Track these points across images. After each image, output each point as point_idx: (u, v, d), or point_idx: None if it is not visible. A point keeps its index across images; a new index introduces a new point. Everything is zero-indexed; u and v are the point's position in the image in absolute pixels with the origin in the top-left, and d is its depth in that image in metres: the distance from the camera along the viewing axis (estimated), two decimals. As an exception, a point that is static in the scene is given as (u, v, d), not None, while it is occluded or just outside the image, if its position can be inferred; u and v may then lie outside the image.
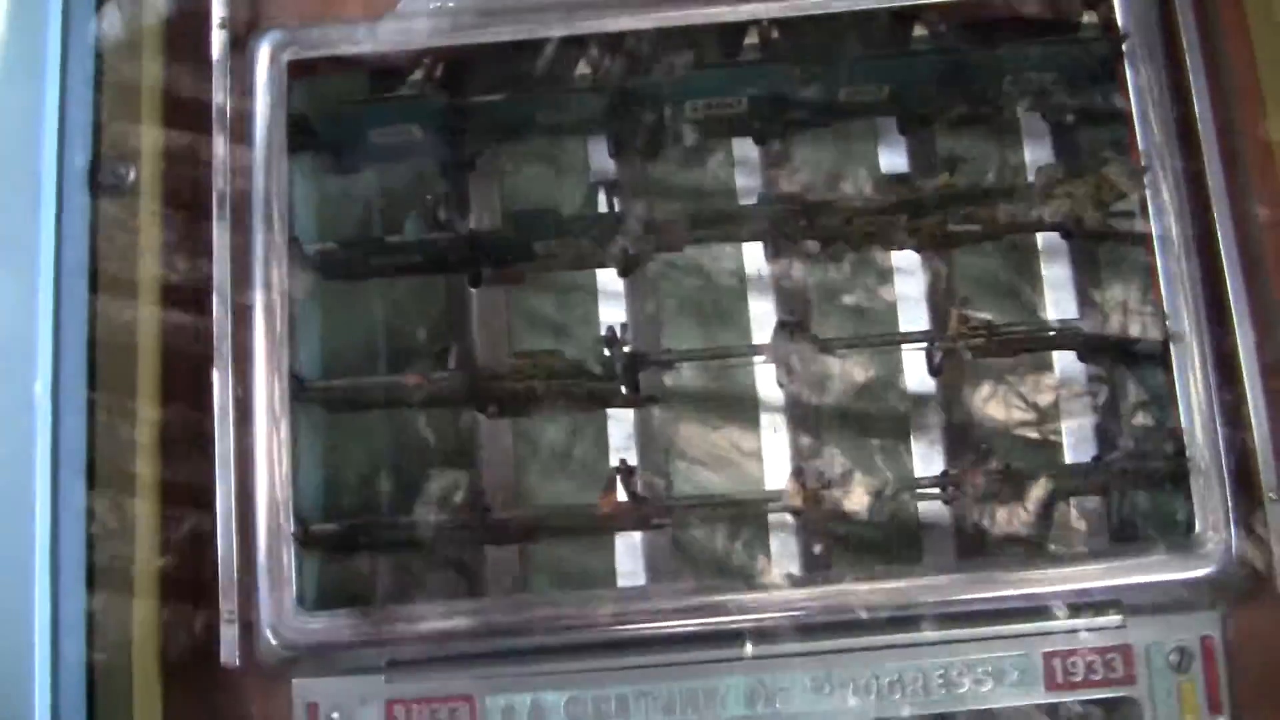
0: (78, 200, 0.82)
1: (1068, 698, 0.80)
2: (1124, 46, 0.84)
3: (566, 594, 0.82)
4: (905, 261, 0.91)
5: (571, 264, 0.86)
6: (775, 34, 0.85)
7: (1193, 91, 0.83)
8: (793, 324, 0.83)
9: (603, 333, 0.82)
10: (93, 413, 0.80)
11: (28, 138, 0.81)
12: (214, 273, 0.82)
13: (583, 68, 0.85)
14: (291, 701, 0.81)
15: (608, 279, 0.91)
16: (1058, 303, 0.90)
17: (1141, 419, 0.85)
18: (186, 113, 0.86)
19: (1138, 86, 0.84)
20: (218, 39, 0.86)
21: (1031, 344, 0.83)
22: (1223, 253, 0.81)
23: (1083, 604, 0.79)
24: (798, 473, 0.82)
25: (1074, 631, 0.79)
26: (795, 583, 0.81)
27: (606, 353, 0.80)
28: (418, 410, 0.87)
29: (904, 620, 0.79)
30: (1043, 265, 0.91)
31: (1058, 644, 0.80)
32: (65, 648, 0.76)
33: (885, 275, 0.91)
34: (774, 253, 0.88)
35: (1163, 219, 0.82)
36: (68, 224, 0.81)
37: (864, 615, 0.79)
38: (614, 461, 0.85)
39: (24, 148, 0.81)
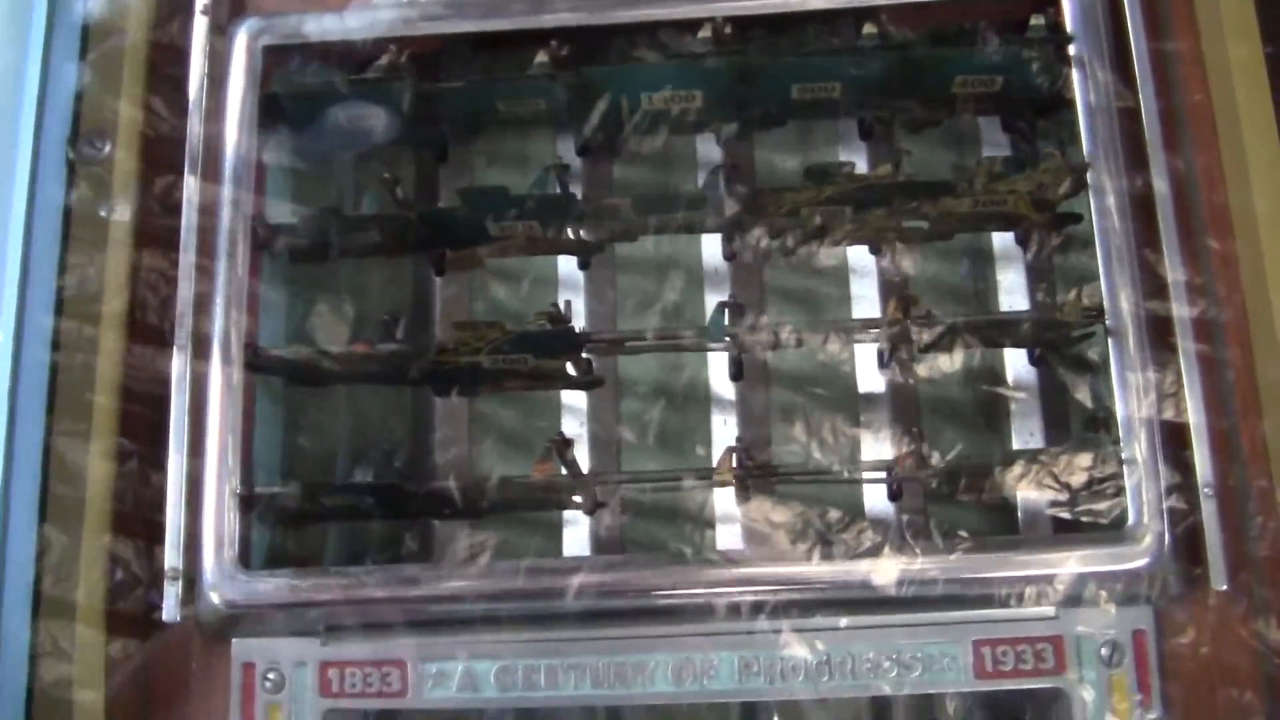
0: (53, 170, 0.86)
1: (997, 686, 0.79)
2: (1071, 48, 0.85)
3: (501, 565, 0.83)
4: (861, 262, 0.93)
5: (527, 247, 0.88)
6: (729, 30, 0.87)
7: (1139, 91, 0.84)
8: (734, 305, 0.84)
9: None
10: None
11: (8, 105, 0.85)
12: (181, 240, 0.86)
13: (541, 57, 0.87)
14: (230, 661, 0.83)
15: (569, 271, 0.94)
16: (1012, 306, 0.91)
17: (1082, 413, 0.86)
18: (165, 91, 0.90)
19: (1084, 86, 0.85)
20: (199, 24, 0.90)
21: (972, 332, 0.84)
22: (1164, 250, 0.82)
23: (1015, 594, 0.79)
24: (730, 450, 0.83)
25: (1006, 621, 0.79)
26: (729, 563, 0.81)
27: (548, 327, 0.82)
28: (374, 388, 0.89)
29: (835, 603, 0.80)
30: (998, 270, 0.92)
31: (989, 633, 0.79)
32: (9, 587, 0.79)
33: (840, 272, 0.93)
34: (728, 243, 0.90)
35: (1104, 215, 0.83)
36: (42, 195, 0.85)
37: (795, 597, 0.80)
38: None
39: (4, 115, 0.85)
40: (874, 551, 0.80)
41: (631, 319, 0.93)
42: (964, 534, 0.83)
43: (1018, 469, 0.83)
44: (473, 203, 0.86)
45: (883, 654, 0.80)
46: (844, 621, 0.80)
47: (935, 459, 0.83)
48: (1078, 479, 0.83)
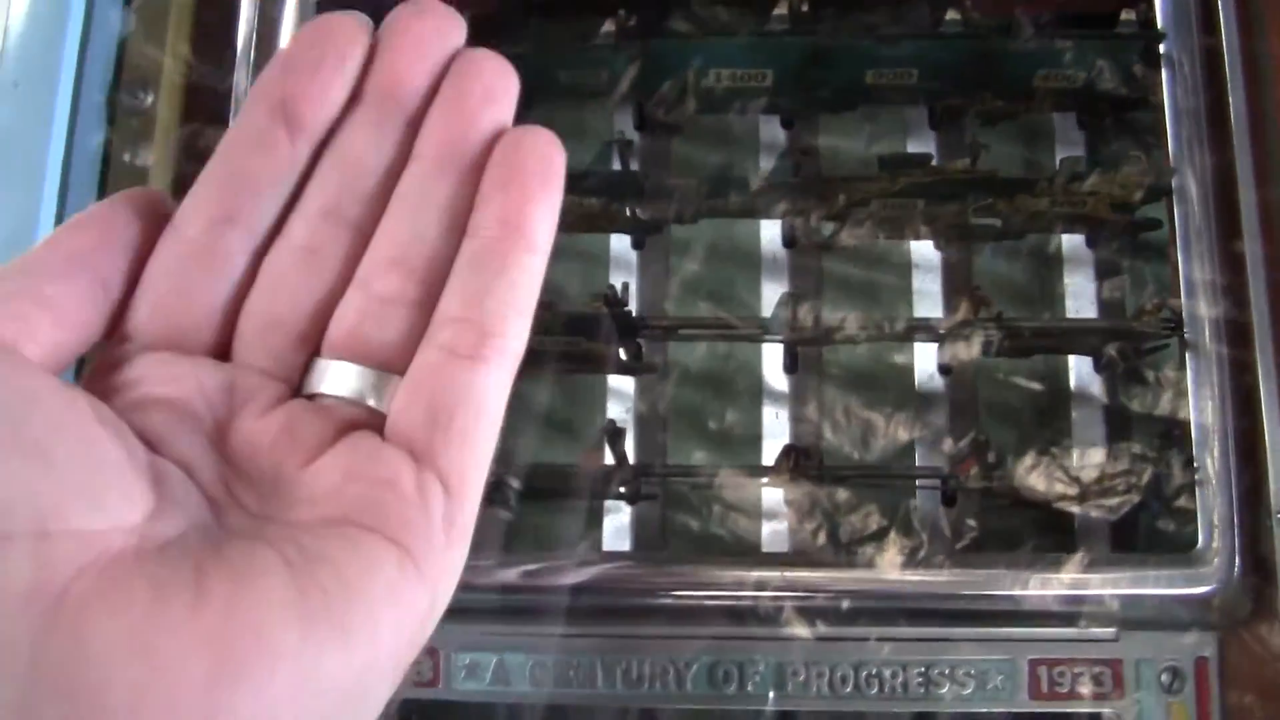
0: (93, 119, 0.82)
1: (1052, 708, 0.77)
2: (1161, 46, 0.82)
3: (540, 554, 0.80)
4: (926, 258, 0.89)
5: (582, 224, 0.85)
6: (805, 8, 0.84)
7: (1229, 94, 0.81)
8: (799, 296, 0.81)
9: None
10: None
11: (50, 52, 0.82)
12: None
13: (609, 27, 0.84)
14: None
15: (621, 250, 0.90)
16: (1078, 311, 0.88)
17: (1155, 427, 0.83)
18: (211, 43, 0.86)
19: (1173, 86, 0.82)
20: (249, -28, 0.86)
21: (1043, 337, 0.81)
22: (1248, 263, 0.79)
23: (1075, 613, 0.76)
24: (789, 451, 0.80)
25: (1064, 641, 0.77)
26: (778, 565, 0.78)
27: (605, 311, 0.79)
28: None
29: (887, 613, 0.77)
30: (1065, 272, 0.89)
31: (1046, 652, 0.77)
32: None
33: (904, 269, 0.89)
34: (790, 231, 0.86)
35: (1188, 223, 0.80)
36: (80, 143, 0.81)
37: (842, 604, 0.77)
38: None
39: (45, 62, 0.81)
40: (926, 560, 0.77)
41: (683, 304, 0.90)
42: (1017, 545, 0.82)
43: (1028, 461, 0.81)
44: (531, 176, 0.82)
45: (935, 668, 0.77)
46: (894, 632, 0.77)
47: (998, 467, 0.80)
48: (1089, 474, 0.80)
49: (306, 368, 0.39)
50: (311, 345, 0.39)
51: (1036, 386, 0.88)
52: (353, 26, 0.39)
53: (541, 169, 0.41)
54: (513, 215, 0.39)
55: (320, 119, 0.39)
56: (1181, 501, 0.78)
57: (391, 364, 0.38)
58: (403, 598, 0.34)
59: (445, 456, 0.36)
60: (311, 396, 0.39)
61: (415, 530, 0.35)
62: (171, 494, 0.33)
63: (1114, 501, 0.79)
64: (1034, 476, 0.80)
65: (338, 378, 0.38)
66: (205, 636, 0.29)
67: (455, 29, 0.43)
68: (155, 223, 0.38)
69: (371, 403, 0.38)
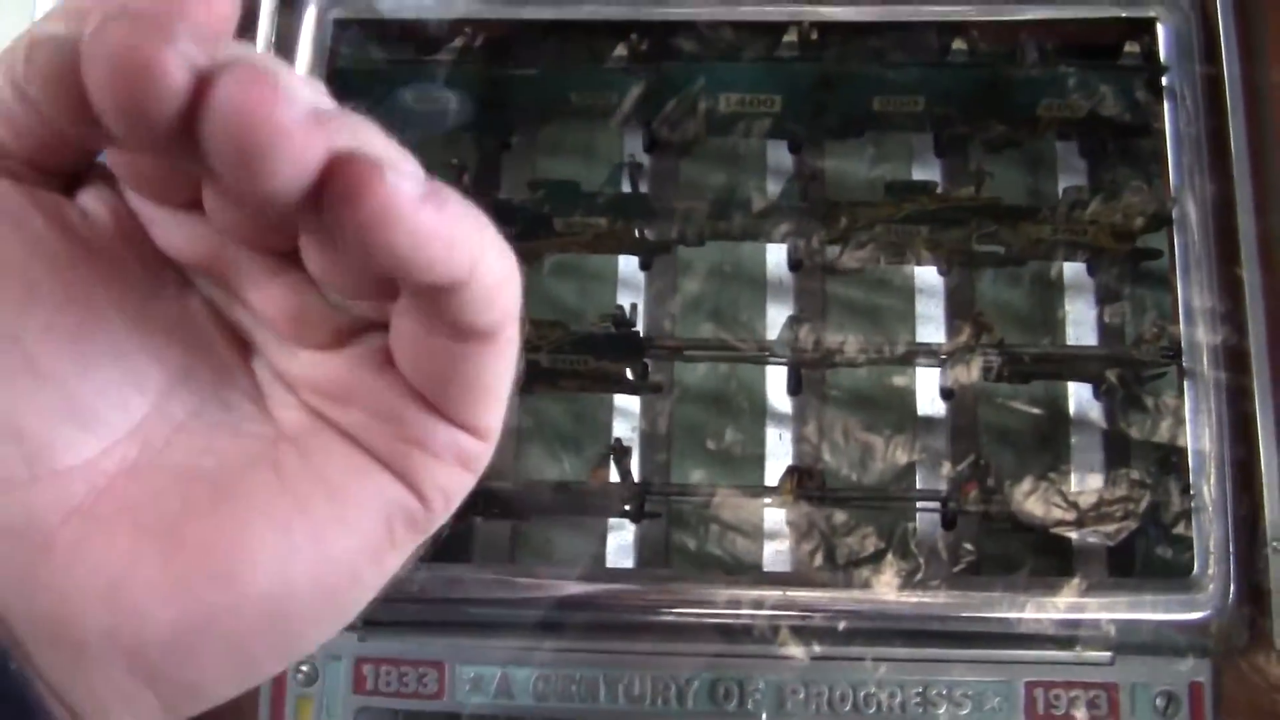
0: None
1: (1046, 729, 0.78)
2: (1164, 79, 0.83)
3: (548, 569, 0.81)
4: (928, 283, 0.90)
5: (591, 244, 0.86)
6: (815, 35, 0.85)
7: (1229, 125, 0.82)
8: (803, 319, 0.82)
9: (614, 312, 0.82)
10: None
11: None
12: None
13: (620, 50, 0.85)
14: (262, 650, 0.80)
15: (629, 271, 0.91)
16: (1079, 338, 0.89)
17: (1152, 454, 0.84)
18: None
19: (1174, 118, 0.83)
20: (268, -7, 0.88)
21: (1044, 363, 0.82)
22: (1246, 292, 0.80)
23: (1072, 637, 0.77)
24: (792, 471, 0.81)
25: (1060, 664, 0.78)
26: (779, 584, 0.79)
27: (613, 330, 0.80)
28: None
29: (886, 634, 0.78)
30: (1066, 299, 0.90)
31: (1042, 675, 0.78)
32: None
33: (907, 293, 0.90)
34: (795, 254, 0.88)
35: (1188, 252, 0.81)
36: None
37: (842, 624, 0.78)
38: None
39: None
40: (925, 582, 0.78)
41: (690, 324, 0.91)
42: (1015, 569, 0.83)
43: (1026, 485, 0.82)
44: (543, 195, 0.83)
45: (932, 689, 0.78)
46: (892, 653, 0.78)
47: (996, 491, 0.81)
48: (1087, 499, 0.81)
49: None
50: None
51: (1036, 412, 0.89)
52: None
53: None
54: None
55: None
56: (1179, 528, 0.79)
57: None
58: (398, 535, 0.34)
59: (455, 411, 0.33)
60: None
61: (426, 470, 0.33)
62: (200, 332, 0.33)
63: (1112, 528, 0.80)
64: (1032, 501, 0.81)
65: None
66: (175, 585, 0.30)
67: None
68: None
69: (364, 312, 0.33)
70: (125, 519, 0.31)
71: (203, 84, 0.25)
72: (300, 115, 0.25)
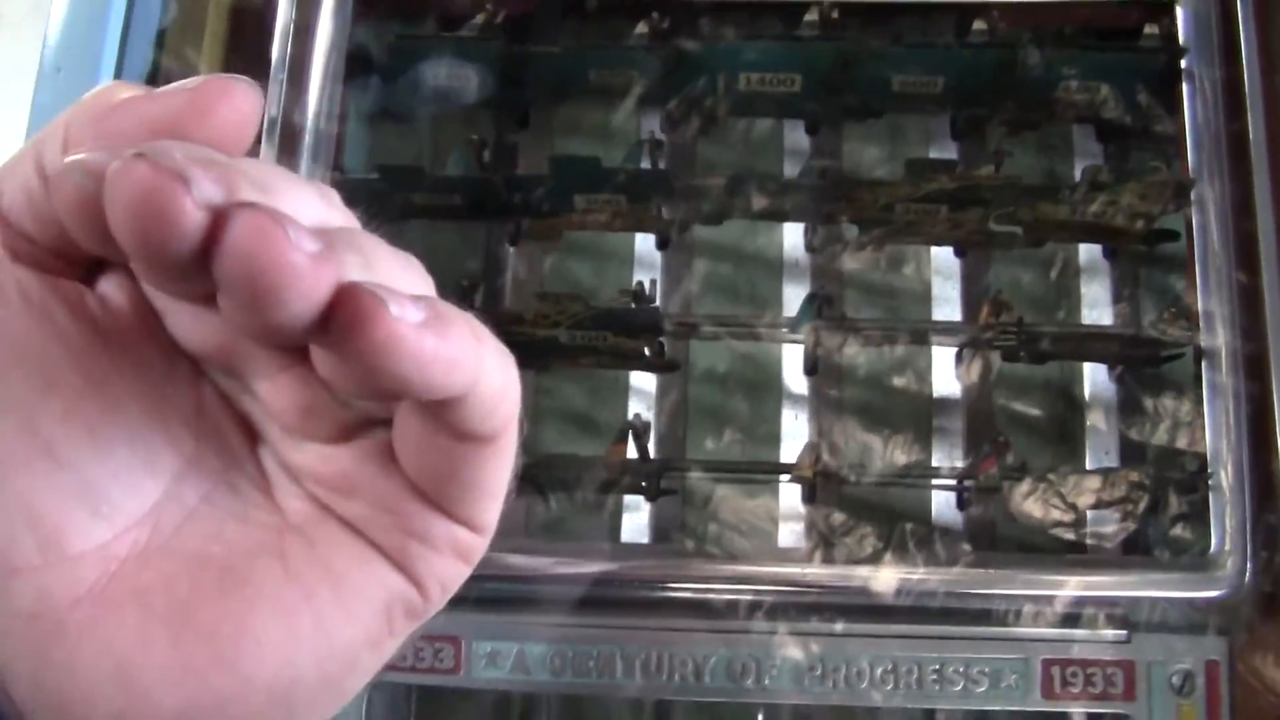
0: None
1: (1063, 708, 0.78)
2: (1183, 61, 0.84)
3: (561, 545, 0.81)
4: (946, 264, 0.91)
5: (609, 223, 0.86)
6: (835, 15, 0.85)
7: (1248, 109, 0.82)
8: (822, 297, 0.82)
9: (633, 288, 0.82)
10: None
11: (93, 38, 0.83)
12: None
13: (641, 28, 0.85)
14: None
15: (645, 250, 0.91)
16: (1096, 320, 0.89)
17: (1167, 434, 0.84)
18: (250, 36, 0.88)
19: (1193, 100, 0.83)
20: (288, -29, 0.88)
21: (1062, 343, 0.82)
22: (1263, 272, 0.80)
23: (1089, 615, 0.77)
24: (812, 447, 0.81)
25: (1077, 642, 0.78)
26: (796, 562, 0.79)
27: (632, 306, 0.80)
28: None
29: (904, 611, 0.78)
30: (1083, 282, 0.91)
31: (1059, 652, 0.78)
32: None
33: (924, 271, 0.91)
34: (813, 234, 0.88)
35: (1205, 233, 0.81)
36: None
37: (858, 602, 0.78)
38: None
39: (88, 48, 0.83)
40: (942, 560, 0.78)
41: (705, 304, 0.91)
42: (1031, 549, 0.83)
43: (1025, 486, 0.82)
44: (562, 172, 0.83)
45: (949, 665, 0.78)
46: (911, 630, 0.78)
47: (1016, 469, 0.81)
48: (1085, 500, 0.82)
49: None
50: None
51: (1051, 393, 0.89)
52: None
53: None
54: None
55: None
56: (1188, 508, 0.80)
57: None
58: (397, 623, 0.35)
59: (455, 509, 0.34)
60: None
61: (425, 562, 0.34)
62: (211, 420, 0.34)
63: (1110, 529, 0.81)
64: (1031, 503, 0.82)
65: None
66: (183, 670, 0.31)
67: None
68: None
69: (370, 411, 0.35)
70: (135, 603, 0.31)
71: (218, 224, 0.26)
72: (308, 255, 0.27)
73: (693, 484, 0.87)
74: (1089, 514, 0.82)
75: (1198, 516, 0.79)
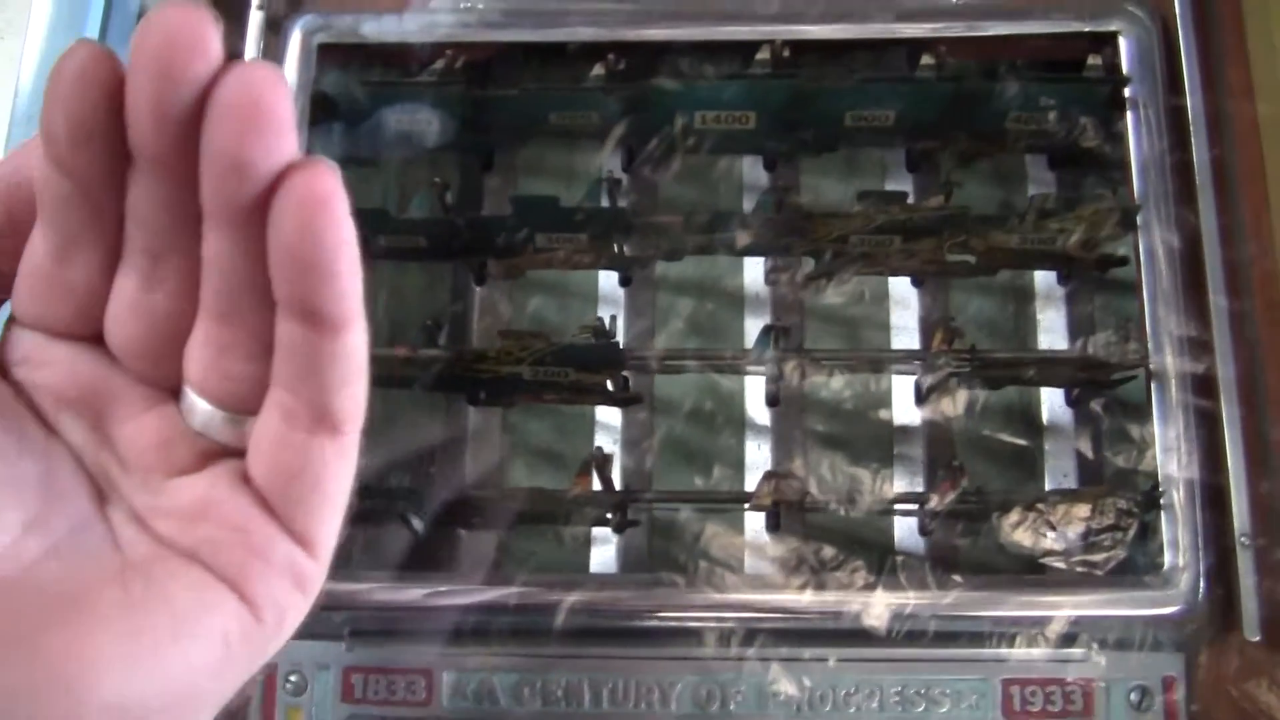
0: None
1: (1024, 726, 0.79)
2: (1126, 90, 0.86)
3: (532, 576, 0.82)
4: (904, 295, 0.92)
5: (571, 260, 0.88)
6: (787, 53, 0.87)
7: (1191, 136, 0.84)
8: (779, 329, 0.84)
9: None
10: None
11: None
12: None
13: (598, 70, 0.87)
14: (253, 660, 0.82)
15: (609, 288, 0.93)
16: (1051, 346, 0.91)
17: (1123, 456, 0.85)
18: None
19: (1138, 128, 0.85)
20: (254, 18, 0.90)
21: (1015, 368, 0.84)
22: (1210, 295, 0.82)
23: (1048, 634, 0.79)
24: (769, 476, 0.82)
25: (1036, 660, 0.79)
26: (759, 587, 0.81)
27: (593, 341, 0.82)
28: (409, 395, 0.89)
29: (866, 634, 0.79)
30: (1038, 308, 0.92)
31: (1019, 672, 0.79)
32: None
33: (882, 301, 0.92)
34: (772, 268, 0.90)
35: (1152, 257, 0.83)
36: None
37: (822, 626, 0.79)
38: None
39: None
40: (903, 583, 0.79)
41: (668, 339, 0.92)
42: (991, 571, 0.84)
43: (1014, 516, 0.83)
44: (523, 211, 0.85)
45: (910, 688, 0.79)
46: (871, 654, 0.79)
47: (972, 494, 0.82)
48: (1075, 529, 0.83)
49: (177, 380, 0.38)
50: (172, 363, 0.36)
51: (1011, 418, 0.90)
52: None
53: (327, 226, 0.33)
54: (316, 305, 0.34)
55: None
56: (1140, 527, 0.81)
57: (243, 405, 0.37)
58: (234, 650, 0.36)
59: (296, 518, 0.37)
60: None
61: (263, 583, 0.36)
62: (59, 486, 0.36)
63: (1100, 557, 0.82)
64: (1020, 532, 0.83)
65: (192, 409, 0.37)
66: (27, 693, 0.33)
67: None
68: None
69: (225, 440, 0.37)
70: None
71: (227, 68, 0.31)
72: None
73: (661, 515, 0.88)
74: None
75: (1149, 534, 0.81)
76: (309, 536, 0.37)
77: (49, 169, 0.33)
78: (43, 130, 0.32)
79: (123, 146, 0.32)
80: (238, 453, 0.37)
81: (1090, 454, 0.87)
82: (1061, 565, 0.83)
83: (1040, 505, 0.82)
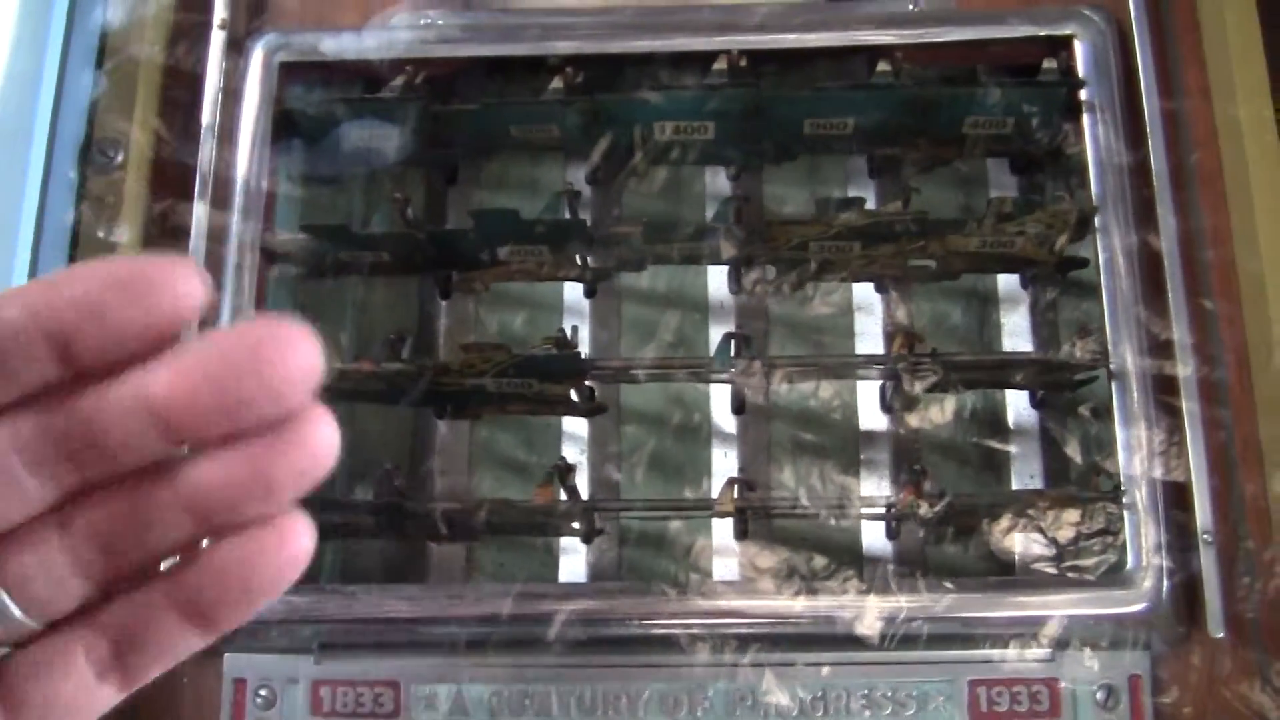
0: (65, 175, 0.86)
1: (990, 725, 0.79)
2: (1082, 93, 0.86)
3: (497, 589, 0.83)
4: (866, 299, 0.93)
5: (534, 272, 0.88)
6: (744, 63, 0.88)
7: (1148, 137, 0.85)
8: (740, 337, 0.84)
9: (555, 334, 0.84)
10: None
11: (24, 108, 0.86)
12: (189, 250, 0.86)
13: (556, 83, 0.88)
14: (221, 676, 0.82)
15: (574, 299, 0.94)
16: (1015, 348, 0.91)
17: (1087, 456, 0.86)
18: (180, 103, 0.90)
19: (1094, 131, 0.86)
20: (216, 38, 0.90)
21: (977, 371, 0.84)
22: (1169, 295, 0.82)
23: (1013, 635, 0.79)
24: (731, 482, 0.83)
25: (1002, 661, 0.79)
26: (722, 596, 0.81)
27: (554, 352, 0.82)
28: (374, 409, 0.89)
29: (832, 638, 0.79)
30: (1002, 312, 0.93)
31: (985, 673, 0.79)
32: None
33: (845, 308, 0.93)
34: (735, 276, 0.90)
35: (1111, 259, 0.83)
36: (53, 197, 0.85)
37: (789, 631, 0.79)
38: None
39: (19, 118, 0.85)
40: (869, 587, 0.80)
41: (634, 350, 0.93)
42: (959, 574, 0.84)
43: (1005, 522, 0.83)
44: (484, 224, 0.86)
45: (877, 691, 0.80)
46: (838, 657, 0.80)
47: (935, 496, 0.83)
48: (1065, 534, 0.83)
49: None
50: None
51: (977, 420, 0.91)
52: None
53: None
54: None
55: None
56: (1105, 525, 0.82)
57: (46, 612, 0.35)
58: None
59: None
60: None
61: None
62: None
63: (1091, 562, 0.82)
64: (1012, 539, 0.83)
65: None
66: None
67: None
68: None
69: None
70: None
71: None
72: None
73: (632, 524, 0.89)
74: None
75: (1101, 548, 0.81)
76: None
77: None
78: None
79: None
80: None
81: (1056, 455, 0.87)
82: (1053, 570, 0.83)
83: (1031, 511, 0.83)
